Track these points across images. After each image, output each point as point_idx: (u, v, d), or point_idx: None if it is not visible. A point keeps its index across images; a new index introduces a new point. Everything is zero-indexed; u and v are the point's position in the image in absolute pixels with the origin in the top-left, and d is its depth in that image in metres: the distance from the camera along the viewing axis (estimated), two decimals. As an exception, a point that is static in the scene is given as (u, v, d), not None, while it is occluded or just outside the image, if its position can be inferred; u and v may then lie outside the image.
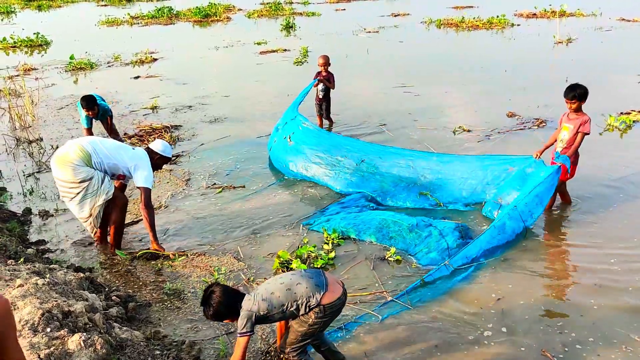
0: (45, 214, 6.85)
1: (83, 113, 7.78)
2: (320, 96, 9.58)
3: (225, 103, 12.10)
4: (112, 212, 5.53)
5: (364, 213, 6.29)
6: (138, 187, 5.59)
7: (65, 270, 4.76)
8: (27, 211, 6.88)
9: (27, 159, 9.03)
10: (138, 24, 26.95)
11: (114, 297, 4.65)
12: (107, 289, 4.92)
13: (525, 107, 10.80)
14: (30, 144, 9.58)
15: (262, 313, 3.49)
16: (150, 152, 5.72)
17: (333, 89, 9.53)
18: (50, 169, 6.00)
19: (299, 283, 3.58)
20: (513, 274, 5.37)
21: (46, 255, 5.70)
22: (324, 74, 9.38)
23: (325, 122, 9.87)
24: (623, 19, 21.86)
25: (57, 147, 7.24)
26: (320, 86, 9.38)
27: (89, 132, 8.05)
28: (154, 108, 11.60)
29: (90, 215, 5.45)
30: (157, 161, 5.73)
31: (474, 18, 22.90)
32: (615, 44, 17.62)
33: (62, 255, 5.85)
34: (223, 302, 3.50)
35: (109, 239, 5.72)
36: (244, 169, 8.23)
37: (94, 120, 8.02)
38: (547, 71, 14.14)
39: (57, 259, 5.60)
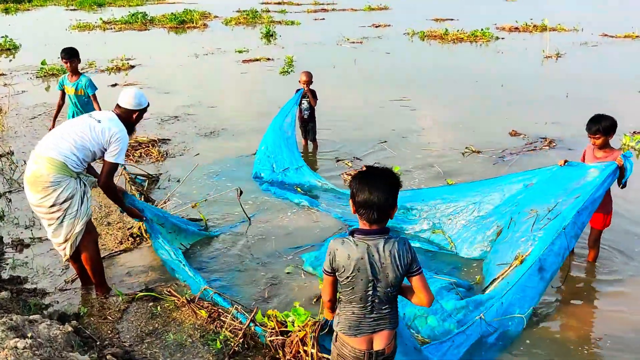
0: (19, 244, 5.93)
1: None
2: (306, 116, 8.68)
3: (213, 114, 11.31)
4: (84, 251, 4.67)
5: None
6: (105, 161, 4.53)
7: (48, 322, 3.94)
8: (-2, 241, 5.94)
9: (-5, 176, 8.08)
10: (111, 29, 25.98)
11: (108, 357, 3.85)
12: (99, 344, 4.12)
13: (528, 125, 10.27)
14: (0, 159, 8.61)
15: None
16: (125, 113, 4.66)
17: (314, 105, 8.66)
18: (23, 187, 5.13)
19: None
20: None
21: (24, 297, 4.84)
22: (306, 89, 8.47)
23: (310, 144, 9.07)
24: (605, 35, 21.77)
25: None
26: (305, 104, 8.51)
27: (62, 98, 7.64)
28: (135, 120, 10.72)
29: (66, 240, 4.58)
30: (136, 120, 4.74)
31: (457, 31, 22.57)
32: (604, 59, 17.42)
33: (44, 297, 4.99)
34: None
35: (90, 279, 4.89)
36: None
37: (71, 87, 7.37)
38: (542, 86, 13.73)
39: (36, 302, 4.75)
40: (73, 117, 7.12)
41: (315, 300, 4.85)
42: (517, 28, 24.62)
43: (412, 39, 22.32)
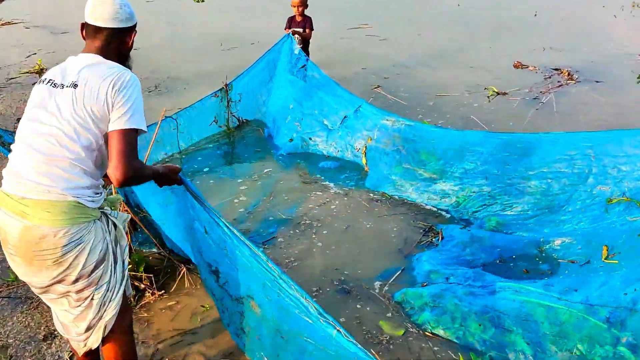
0: None
1: None
2: (297, 52, 6.49)
3: (140, 59, 8.75)
4: (113, 344, 2.52)
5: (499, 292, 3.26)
6: (112, 134, 2.21)
7: None
8: None
9: None
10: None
11: None
12: None
13: (525, 54, 8.96)
14: None
15: None
16: (112, 40, 2.38)
17: (309, 38, 6.61)
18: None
19: None
20: None
21: None
22: (298, 19, 6.45)
23: None
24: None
25: None
26: (296, 38, 6.37)
27: None
28: (40, 72, 8.01)
29: (90, 328, 2.43)
30: (130, 47, 2.48)
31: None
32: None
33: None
34: None
35: None
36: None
37: None
38: (501, 7, 12.41)
39: None
40: None
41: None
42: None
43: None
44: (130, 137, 2.20)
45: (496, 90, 7.24)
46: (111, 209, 2.51)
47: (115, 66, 2.29)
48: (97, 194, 2.30)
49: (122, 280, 2.47)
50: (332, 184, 4.97)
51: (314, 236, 4.21)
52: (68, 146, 2.17)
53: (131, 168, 2.17)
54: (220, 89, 5.77)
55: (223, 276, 2.75)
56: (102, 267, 2.33)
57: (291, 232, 4.26)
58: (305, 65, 5.93)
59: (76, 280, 2.28)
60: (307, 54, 6.35)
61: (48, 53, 8.95)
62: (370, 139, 5.10)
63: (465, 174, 4.37)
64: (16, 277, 3.64)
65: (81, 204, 2.21)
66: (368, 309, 3.39)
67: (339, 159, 5.35)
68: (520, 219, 3.99)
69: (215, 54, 9.21)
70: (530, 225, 3.91)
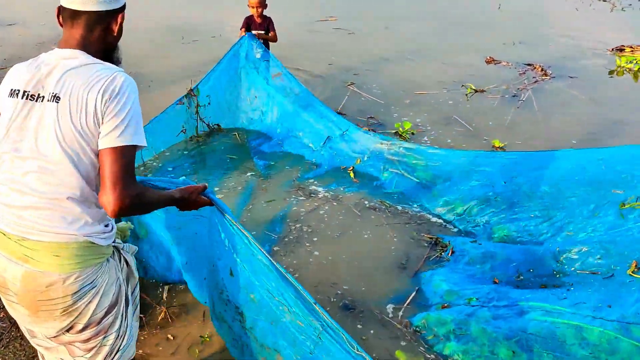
0: None
1: None
2: (258, 56, 5.78)
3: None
4: None
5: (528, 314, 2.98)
6: (104, 152, 1.79)
7: None
8: None
9: None
10: None
11: None
12: None
13: (495, 49, 8.87)
14: None
15: None
16: (97, 26, 1.93)
17: (275, 41, 6.04)
18: None
19: None
20: None
21: None
22: (258, 20, 5.85)
23: None
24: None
25: None
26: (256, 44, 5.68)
27: None
28: (-13, 69, 7.38)
29: None
30: (118, 34, 2.02)
31: None
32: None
33: None
34: None
35: None
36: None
37: None
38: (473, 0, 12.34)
39: None
40: None
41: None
42: None
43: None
44: (126, 156, 1.77)
45: (474, 88, 7.07)
46: (121, 239, 2.14)
47: (103, 67, 1.84)
48: (107, 226, 1.94)
49: (132, 325, 2.12)
50: (321, 189, 4.67)
51: (307, 246, 3.92)
52: (66, 181, 1.79)
53: (128, 195, 1.74)
54: (186, 95, 5.24)
55: (250, 320, 2.39)
56: (113, 312, 1.99)
57: (283, 241, 3.96)
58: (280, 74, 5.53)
59: (84, 328, 1.93)
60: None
61: (-7, 46, 8.27)
62: (359, 160, 4.87)
63: (471, 187, 4.16)
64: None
65: (94, 243, 1.85)
66: (378, 333, 3.10)
67: (326, 167, 5.02)
68: (530, 226, 3.78)
69: (177, 48, 8.74)
70: (542, 235, 3.70)
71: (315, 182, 4.77)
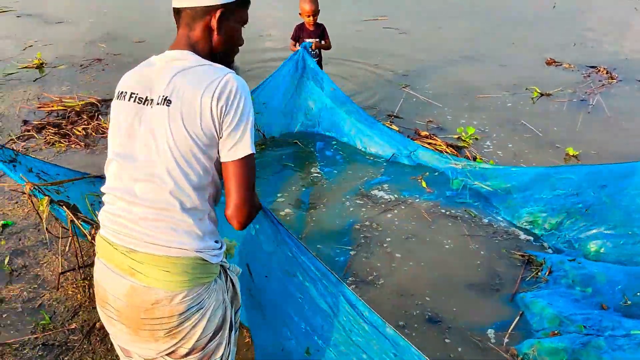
0: None
1: None
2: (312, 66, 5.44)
3: (149, 53, 8.08)
4: None
5: None
6: (233, 162, 1.66)
7: None
8: None
9: None
10: None
11: None
12: None
13: (553, 49, 8.51)
14: None
15: None
16: (202, 23, 1.75)
17: (329, 49, 5.69)
18: None
19: None
20: None
21: None
22: (310, 29, 5.46)
23: None
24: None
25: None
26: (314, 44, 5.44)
27: None
28: (40, 66, 7.32)
29: None
30: (223, 33, 1.80)
31: None
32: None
33: None
34: None
35: None
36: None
37: None
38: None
39: None
40: None
41: None
42: None
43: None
44: (251, 166, 1.67)
45: (539, 91, 6.76)
46: (226, 257, 1.97)
47: (213, 68, 1.67)
48: (218, 242, 1.78)
49: (233, 352, 1.95)
50: (389, 196, 4.47)
51: (384, 251, 3.73)
52: (177, 190, 1.62)
53: (255, 207, 1.69)
54: None
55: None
56: (218, 337, 1.81)
57: (356, 247, 3.78)
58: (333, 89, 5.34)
59: (187, 354, 1.76)
60: (321, 67, 5.56)
61: (45, 45, 8.23)
62: (427, 173, 4.72)
63: (556, 197, 3.89)
64: (51, 318, 3.12)
65: (205, 260, 1.68)
66: (473, 356, 2.89)
67: (392, 176, 4.80)
68: (628, 244, 3.50)
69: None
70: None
71: (383, 190, 4.56)
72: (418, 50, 8.46)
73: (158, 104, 1.64)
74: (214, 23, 1.76)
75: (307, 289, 2.17)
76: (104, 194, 1.76)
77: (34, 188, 2.79)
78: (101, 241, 1.71)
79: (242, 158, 1.64)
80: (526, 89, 6.89)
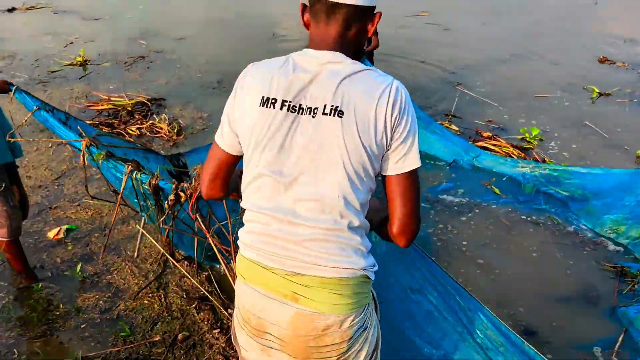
0: None
1: None
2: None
3: (192, 50, 7.96)
4: None
5: None
6: (402, 175, 1.52)
7: None
8: None
9: None
10: None
11: None
12: None
13: (602, 46, 8.22)
14: None
15: None
16: (358, 23, 1.54)
17: (376, 47, 5.05)
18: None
19: None
20: None
21: None
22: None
23: None
24: None
25: None
26: None
27: None
28: (84, 64, 7.23)
29: None
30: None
31: None
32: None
33: None
34: None
35: None
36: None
37: None
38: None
39: None
40: None
41: None
42: None
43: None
44: (417, 179, 1.52)
45: (598, 91, 6.53)
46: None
47: (377, 74, 1.50)
48: (373, 257, 1.63)
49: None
50: (459, 200, 4.29)
51: (463, 259, 3.57)
52: (346, 207, 1.48)
53: (419, 225, 1.54)
54: None
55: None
56: (374, 358, 1.68)
57: (435, 251, 3.62)
58: None
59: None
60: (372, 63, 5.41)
61: (86, 42, 8.15)
62: (495, 178, 4.51)
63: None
64: (130, 329, 2.99)
65: (369, 278, 1.55)
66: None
67: (457, 182, 4.61)
68: None
69: (265, 44, 8.42)
70: None
71: (451, 194, 4.39)
72: (464, 47, 8.26)
73: (325, 114, 1.46)
74: (370, 26, 1.58)
75: (434, 306, 2.01)
76: (242, 210, 1.61)
77: (92, 144, 2.63)
78: (250, 265, 1.56)
79: (411, 171, 1.50)
80: (583, 88, 6.67)
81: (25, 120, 3.20)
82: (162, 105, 6.00)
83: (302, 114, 1.47)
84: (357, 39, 1.57)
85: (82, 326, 3.06)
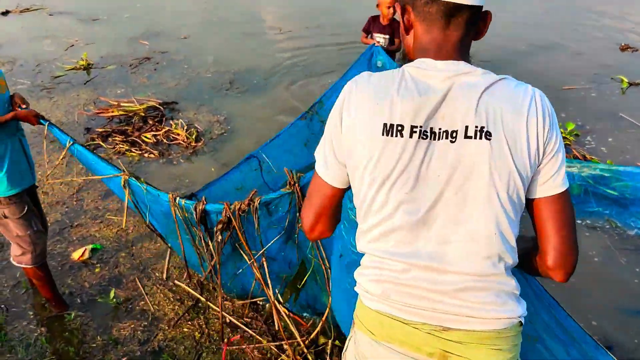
0: None
1: None
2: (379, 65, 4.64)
3: (197, 50, 7.63)
4: None
5: None
6: (556, 197, 1.28)
7: None
8: None
9: None
10: None
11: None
12: None
13: (622, 33, 7.99)
14: None
15: None
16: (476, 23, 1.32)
17: (399, 50, 5.27)
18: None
19: None
20: None
21: None
22: (383, 23, 5.03)
23: None
24: None
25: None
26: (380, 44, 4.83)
27: None
28: (87, 68, 6.90)
29: None
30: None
31: None
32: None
33: None
34: None
35: None
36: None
37: None
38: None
39: None
40: None
41: None
42: None
43: None
44: (571, 201, 1.28)
45: (628, 81, 6.29)
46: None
47: (514, 82, 1.28)
48: None
49: None
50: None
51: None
52: (504, 248, 1.25)
53: (577, 255, 1.29)
54: (309, 110, 4.46)
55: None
56: None
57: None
58: None
59: None
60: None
61: (87, 45, 7.81)
62: None
63: None
64: None
65: (522, 324, 1.32)
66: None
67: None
68: None
69: (272, 41, 8.11)
70: None
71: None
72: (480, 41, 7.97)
73: (469, 137, 1.20)
74: (484, 27, 1.35)
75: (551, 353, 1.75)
76: (362, 253, 1.34)
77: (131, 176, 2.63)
78: (384, 320, 1.29)
79: (564, 191, 1.26)
80: (611, 78, 6.42)
81: (62, 158, 3.00)
82: (175, 109, 5.69)
83: (436, 139, 1.22)
84: (470, 44, 1.34)
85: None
